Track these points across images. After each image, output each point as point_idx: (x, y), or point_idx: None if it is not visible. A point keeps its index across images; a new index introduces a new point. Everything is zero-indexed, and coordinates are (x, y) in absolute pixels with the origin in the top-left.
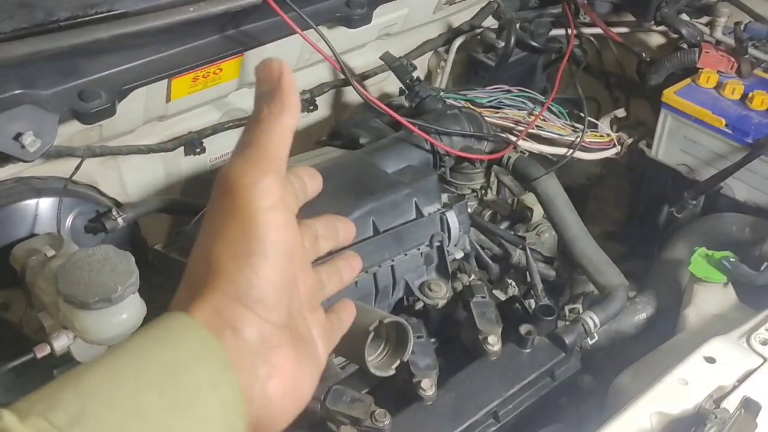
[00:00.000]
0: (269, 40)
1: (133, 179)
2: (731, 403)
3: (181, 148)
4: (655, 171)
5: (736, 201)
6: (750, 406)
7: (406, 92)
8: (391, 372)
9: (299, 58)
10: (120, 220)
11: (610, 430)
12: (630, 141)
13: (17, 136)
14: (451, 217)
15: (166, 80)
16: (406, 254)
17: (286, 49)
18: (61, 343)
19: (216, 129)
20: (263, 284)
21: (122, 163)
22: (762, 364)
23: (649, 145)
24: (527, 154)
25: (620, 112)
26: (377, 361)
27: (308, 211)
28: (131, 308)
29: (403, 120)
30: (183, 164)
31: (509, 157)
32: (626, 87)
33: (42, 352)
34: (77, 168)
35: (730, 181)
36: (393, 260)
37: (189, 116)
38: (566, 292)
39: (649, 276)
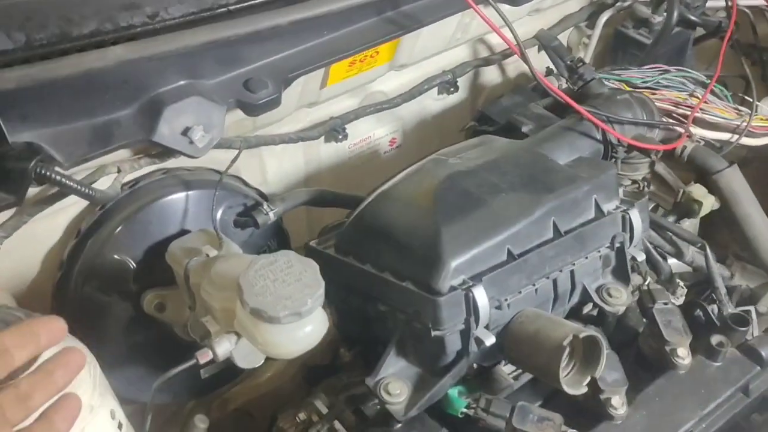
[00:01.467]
0: (430, 20)
1: (273, 167)
2: None
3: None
4: None
5: None
6: None
7: (564, 74)
8: (584, 390)
9: (451, 38)
10: (271, 215)
11: None
12: None
13: (186, 131)
14: (635, 215)
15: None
16: (586, 257)
17: (441, 29)
18: (223, 348)
19: (358, 114)
20: None
21: (264, 150)
22: None
23: None
24: (702, 142)
25: None
26: (566, 377)
27: (486, 211)
28: (316, 320)
29: (581, 108)
30: (323, 151)
31: (684, 147)
32: None
33: (204, 358)
34: (234, 160)
35: None
36: (574, 264)
37: (331, 102)
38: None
39: None
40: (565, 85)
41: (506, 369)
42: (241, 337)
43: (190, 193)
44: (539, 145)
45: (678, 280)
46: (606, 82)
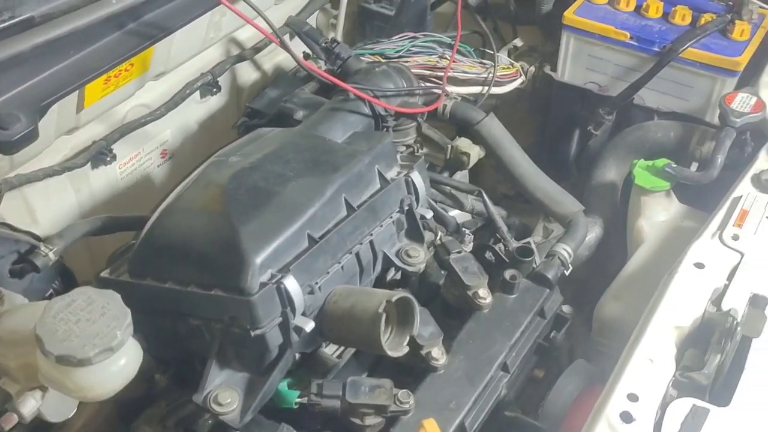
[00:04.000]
0: (179, 24)
1: (41, 206)
2: (729, 303)
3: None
4: (564, 93)
5: (648, 109)
6: (757, 302)
7: (322, 56)
8: (405, 350)
9: (205, 38)
10: (51, 255)
11: (641, 356)
12: (533, 68)
13: None
14: (417, 177)
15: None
16: (381, 225)
17: (193, 31)
18: (29, 407)
19: (123, 132)
20: None
21: (27, 190)
22: (742, 258)
23: (553, 69)
24: (460, 98)
25: (518, 42)
26: (388, 342)
27: (280, 202)
28: (129, 351)
29: (348, 86)
30: (92, 178)
31: (445, 105)
32: (510, 17)
33: (9, 423)
34: None
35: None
36: (371, 234)
37: (91, 124)
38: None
39: (587, 198)
40: (324, 67)
41: (328, 350)
42: (46, 391)
43: None
44: (314, 128)
45: (464, 229)
46: (362, 57)
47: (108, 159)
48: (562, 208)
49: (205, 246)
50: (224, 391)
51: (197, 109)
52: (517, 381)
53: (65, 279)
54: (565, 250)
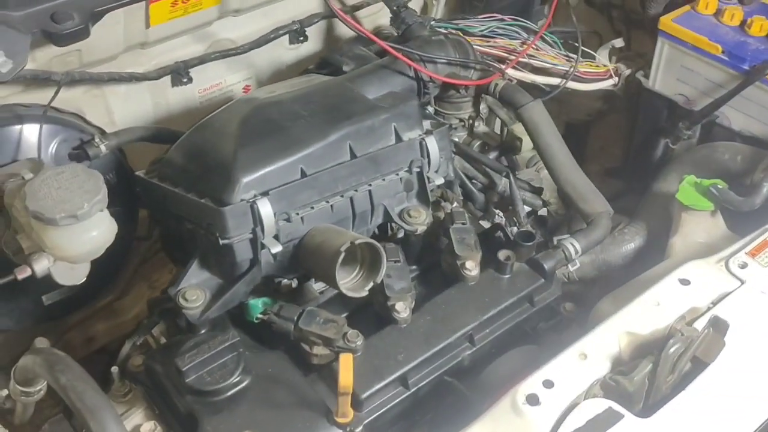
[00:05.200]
0: None
1: (120, 109)
2: (702, 324)
3: (168, 79)
4: (652, 102)
5: (731, 130)
6: (718, 325)
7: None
8: (365, 293)
9: None
10: (103, 147)
11: (576, 350)
12: (628, 72)
13: None
14: (431, 142)
15: (143, 4)
16: (384, 179)
17: None
18: (41, 265)
19: (203, 59)
20: None
21: (108, 92)
22: (739, 287)
23: (647, 76)
24: (515, 81)
25: (618, 42)
26: (352, 283)
27: (284, 135)
28: (101, 226)
29: (384, 44)
30: (170, 95)
31: (496, 84)
32: (627, 19)
33: (22, 273)
34: (56, 93)
35: (727, 111)
36: (370, 185)
37: (174, 45)
38: (564, 229)
39: (640, 207)
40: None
41: (318, 286)
42: None
43: (23, 126)
44: (352, 80)
45: (495, 210)
46: (444, 31)
47: (185, 80)
48: (588, 206)
49: (209, 160)
50: (194, 289)
51: (286, 54)
52: (488, 358)
53: (119, 173)
54: (572, 245)
